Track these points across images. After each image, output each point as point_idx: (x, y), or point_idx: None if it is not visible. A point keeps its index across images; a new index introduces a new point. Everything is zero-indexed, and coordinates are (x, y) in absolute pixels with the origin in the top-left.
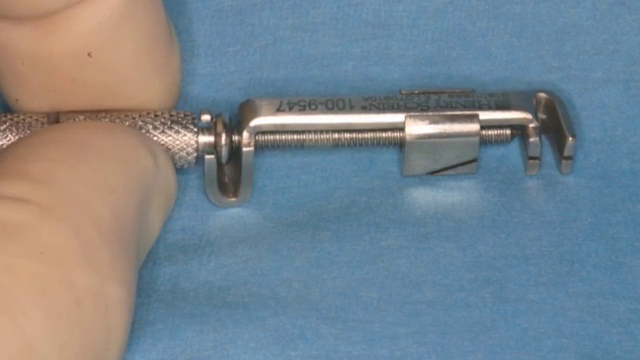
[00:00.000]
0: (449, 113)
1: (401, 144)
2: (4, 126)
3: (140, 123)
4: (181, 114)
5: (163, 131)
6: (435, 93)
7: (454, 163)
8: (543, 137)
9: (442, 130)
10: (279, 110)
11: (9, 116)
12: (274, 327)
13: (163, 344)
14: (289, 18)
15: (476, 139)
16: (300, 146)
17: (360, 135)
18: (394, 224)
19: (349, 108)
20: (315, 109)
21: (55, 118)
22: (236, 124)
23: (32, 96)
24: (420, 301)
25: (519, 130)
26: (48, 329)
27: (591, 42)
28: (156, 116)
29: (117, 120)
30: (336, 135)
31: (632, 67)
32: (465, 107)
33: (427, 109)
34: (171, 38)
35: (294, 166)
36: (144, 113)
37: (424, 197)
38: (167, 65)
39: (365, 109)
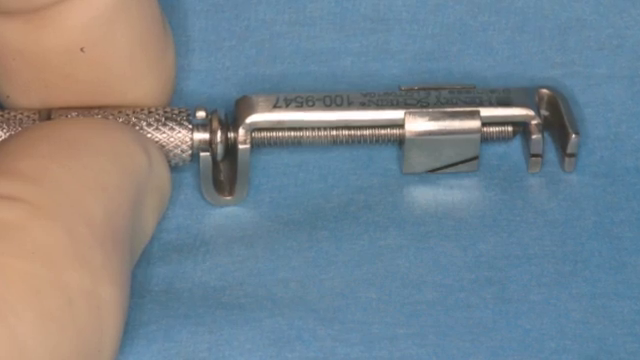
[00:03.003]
0: (449, 110)
1: (400, 141)
2: None
3: (134, 120)
4: (175, 110)
5: (157, 128)
6: (435, 89)
7: (455, 161)
8: (545, 134)
9: (442, 127)
10: (276, 106)
11: (0, 112)
12: (271, 328)
13: (157, 345)
14: (286, 12)
15: (477, 136)
16: (297, 143)
17: (359, 132)
18: (393, 223)
19: (347, 104)
20: (312, 105)
21: (47, 114)
22: (232, 121)
23: (23, 92)
24: (420, 302)
25: (521, 127)
26: (40, 330)
27: (595, 37)
28: (150, 113)
29: (110, 117)
30: (334, 132)
31: (636, 62)
32: (466, 103)
33: (427, 105)
34: (165, 33)
35: (291, 164)
36: (138, 109)
37: (424, 195)
38: (161, 60)
39: (364, 105)
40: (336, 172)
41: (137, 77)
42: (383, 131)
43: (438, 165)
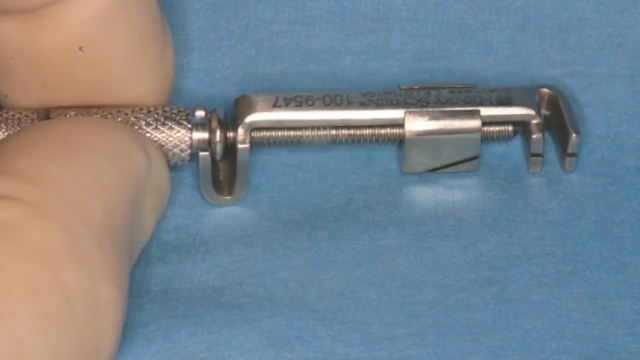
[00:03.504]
0: (450, 109)
1: (400, 141)
2: None
3: (132, 119)
4: (175, 110)
5: (156, 127)
6: (435, 88)
7: (455, 160)
8: (546, 134)
9: (442, 126)
10: (275, 106)
11: None
12: (270, 328)
13: (156, 346)
14: (285, 11)
15: (477, 136)
16: (297, 143)
17: (358, 132)
18: (393, 223)
19: (347, 104)
20: (312, 105)
21: (45, 114)
22: (231, 120)
23: (22, 92)
24: (420, 302)
25: (521, 126)
26: (38, 330)
27: (595, 36)
28: (149, 112)
29: (109, 116)
30: (334, 132)
31: (637, 62)
32: (466, 103)
33: (427, 105)
34: (164, 32)
35: (290, 163)
36: (137, 109)
37: (424, 195)
38: (160, 60)
39: (363, 105)
40: (336, 172)
41: (136, 76)
42: (383, 131)
43: (438, 165)
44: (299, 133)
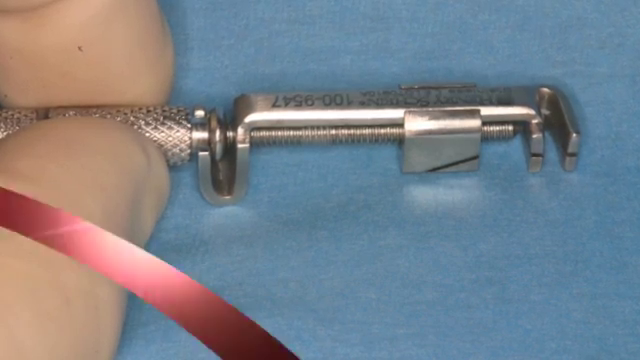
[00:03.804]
0: (450, 109)
1: (400, 140)
2: None
3: (132, 119)
4: (174, 110)
5: (155, 127)
6: (435, 88)
7: (455, 160)
8: (546, 133)
9: (442, 126)
10: (275, 105)
11: None
12: (270, 328)
13: (156, 346)
14: (285, 11)
15: (477, 135)
16: (296, 143)
17: (358, 131)
18: (393, 223)
19: (347, 103)
20: (312, 105)
21: (44, 114)
22: (231, 120)
23: (21, 91)
24: (420, 302)
25: (522, 126)
26: (37, 330)
27: (596, 36)
28: (148, 112)
29: (108, 116)
30: (333, 131)
31: (637, 61)
32: (466, 102)
33: (427, 104)
34: (164, 31)
35: (290, 163)
36: (136, 108)
37: (424, 195)
38: (160, 59)
39: (363, 104)
40: (335, 171)
41: (135, 76)
42: (383, 130)
43: (438, 164)
44: (299, 133)
